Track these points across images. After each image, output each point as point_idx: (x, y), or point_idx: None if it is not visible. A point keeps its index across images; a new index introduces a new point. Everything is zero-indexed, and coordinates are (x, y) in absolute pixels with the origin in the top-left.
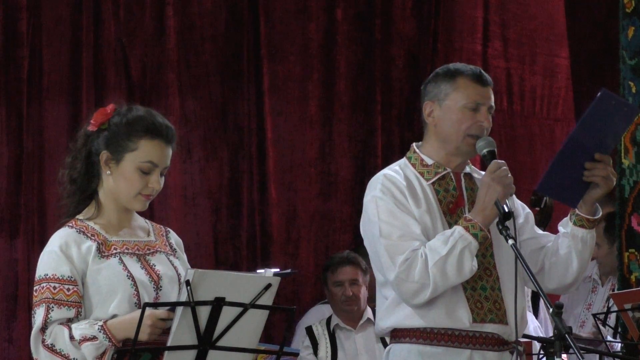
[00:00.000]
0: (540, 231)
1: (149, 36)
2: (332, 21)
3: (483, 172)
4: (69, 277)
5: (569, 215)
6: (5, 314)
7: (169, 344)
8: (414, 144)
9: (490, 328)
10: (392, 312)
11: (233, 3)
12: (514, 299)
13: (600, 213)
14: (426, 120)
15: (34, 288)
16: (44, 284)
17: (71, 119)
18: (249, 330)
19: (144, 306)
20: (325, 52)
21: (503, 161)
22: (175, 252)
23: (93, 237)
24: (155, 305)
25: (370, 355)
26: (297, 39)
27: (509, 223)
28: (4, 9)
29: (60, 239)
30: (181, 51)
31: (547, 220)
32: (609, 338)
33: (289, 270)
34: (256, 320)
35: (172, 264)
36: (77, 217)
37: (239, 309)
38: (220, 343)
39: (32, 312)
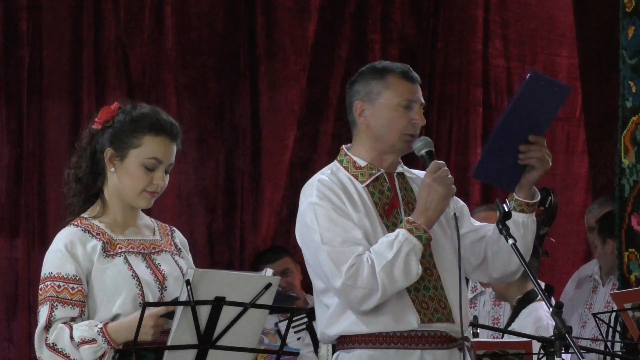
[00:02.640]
0: (477, 222)
1: (148, 36)
2: (330, 20)
3: (416, 171)
4: (73, 275)
5: (507, 202)
6: (6, 314)
7: (169, 343)
8: (343, 146)
9: (438, 327)
10: (338, 320)
11: (231, 3)
12: (457, 296)
13: (539, 196)
14: (357, 120)
15: (39, 287)
16: (49, 283)
17: (71, 119)
18: (249, 329)
19: (144, 306)
20: (322, 51)
21: (442, 162)
22: (180, 251)
23: (98, 236)
24: (155, 305)
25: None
26: (294, 39)
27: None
28: (5, 9)
29: (65, 237)
30: (179, 51)
31: (551, 220)
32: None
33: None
34: (256, 319)
35: (177, 264)
36: (82, 215)
37: (239, 309)
38: (220, 342)
39: (37, 310)
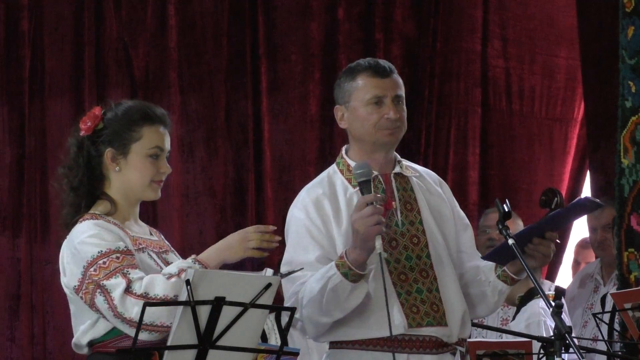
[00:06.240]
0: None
1: (151, 35)
2: (333, 20)
3: (419, 167)
4: (125, 247)
5: (493, 266)
6: (8, 313)
7: (169, 343)
8: (343, 148)
9: (427, 331)
10: (329, 330)
11: (235, 2)
12: (453, 298)
13: (525, 275)
14: (340, 125)
15: (88, 272)
16: (105, 259)
17: (73, 118)
18: (249, 329)
19: (144, 305)
20: (326, 51)
21: (372, 195)
22: (175, 253)
23: (122, 231)
24: (153, 305)
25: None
26: (297, 39)
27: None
28: (6, 8)
29: (95, 225)
30: (182, 50)
31: None
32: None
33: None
34: (256, 319)
35: None
36: (94, 212)
37: (239, 309)
38: (220, 342)
39: (102, 286)
